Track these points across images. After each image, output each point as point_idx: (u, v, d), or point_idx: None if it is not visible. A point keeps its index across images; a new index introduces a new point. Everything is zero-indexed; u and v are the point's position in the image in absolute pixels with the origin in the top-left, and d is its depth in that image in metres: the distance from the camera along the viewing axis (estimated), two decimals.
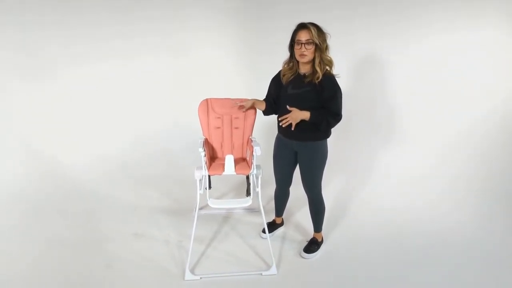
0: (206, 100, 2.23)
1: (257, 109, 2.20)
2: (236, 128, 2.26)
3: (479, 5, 2.72)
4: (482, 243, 2.36)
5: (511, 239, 2.41)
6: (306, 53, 1.80)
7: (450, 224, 2.58)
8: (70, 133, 3.22)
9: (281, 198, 2.36)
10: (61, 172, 3.08)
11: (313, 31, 1.78)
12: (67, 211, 2.65)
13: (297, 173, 2.14)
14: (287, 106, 1.88)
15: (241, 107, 2.16)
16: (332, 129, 1.98)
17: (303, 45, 1.80)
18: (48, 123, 3.16)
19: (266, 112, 2.15)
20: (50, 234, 2.35)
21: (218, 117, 2.23)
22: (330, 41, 1.87)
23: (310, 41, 1.78)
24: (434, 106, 3.03)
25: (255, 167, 2.05)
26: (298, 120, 1.85)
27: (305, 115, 1.85)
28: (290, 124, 1.87)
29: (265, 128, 2.87)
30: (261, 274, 1.99)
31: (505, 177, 2.92)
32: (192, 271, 1.99)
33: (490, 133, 2.95)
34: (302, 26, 1.82)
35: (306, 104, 1.86)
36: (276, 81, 2.06)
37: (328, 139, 2.02)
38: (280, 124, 1.87)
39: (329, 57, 1.87)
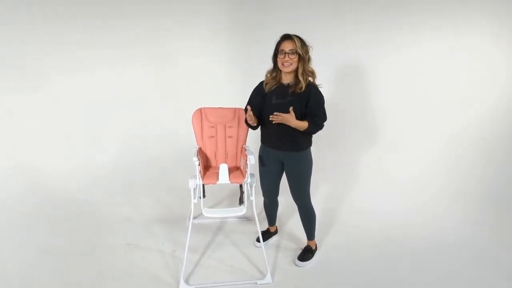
0: (200, 109, 2.24)
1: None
2: (230, 137, 2.27)
3: (465, 14, 2.81)
4: (473, 245, 2.41)
5: (501, 242, 2.45)
6: (289, 62, 1.84)
7: (441, 228, 2.63)
8: (60, 141, 3.21)
9: (270, 208, 2.36)
10: (51, 181, 3.05)
11: (296, 42, 1.82)
12: (58, 221, 2.62)
13: (284, 183, 2.14)
14: (291, 108, 1.80)
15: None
16: (320, 136, 2.01)
17: (286, 54, 1.83)
18: (37, 132, 3.14)
19: (255, 127, 2.09)
20: (41, 243, 2.32)
21: (212, 126, 2.24)
22: (318, 49, 1.91)
23: (294, 51, 1.82)
24: (421, 112, 3.09)
25: (249, 175, 2.06)
26: (288, 123, 1.81)
27: (300, 124, 1.85)
28: (276, 134, 1.89)
29: (259, 137, 2.89)
30: (256, 283, 1.98)
31: (495, 180, 2.97)
32: (187, 281, 1.98)
33: (479, 138, 3.01)
34: (286, 37, 1.86)
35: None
36: (258, 92, 2.05)
37: (317, 146, 2.05)
38: (270, 118, 1.80)
39: (312, 68, 1.91)
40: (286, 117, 1.79)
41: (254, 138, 2.35)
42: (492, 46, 2.84)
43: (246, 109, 2.13)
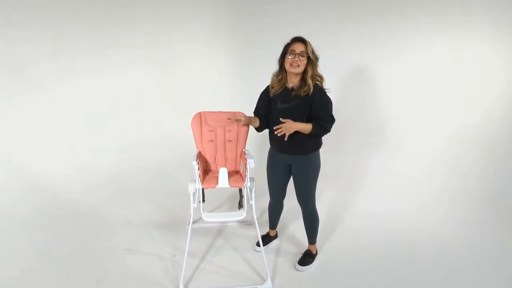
0: (199, 113, 2.24)
1: (251, 126, 2.21)
2: (230, 141, 2.27)
3: (463, 20, 2.83)
4: (473, 246, 2.42)
5: (502, 242, 2.46)
6: (298, 64, 1.84)
7: (441, 228, 2.64)
8: (60, 144, 3.21)
9: (275, 210, 2.36)
10: (51, 184, 3.05)
11: (308, 45, 1.84)
12: (58, 224, 2.61)
13: (290, 185, 2.15)
14: (280, 118, 1.88)
15: (237, 120, 2.16)
16: (324, 140, 2.02)
17: (297, 55, 1.83)
18: (36, 136, 3.13)
19: (259, 129, 2.14)
20: (40, 248, 2.31)
21: (212, 130, 2.24)
22: (320, 52, 1.91)
23: (304, 53, 1.83)
24: (423, 115, 3.09)
25: (248, 179, 2.06)
26: (292, 131, 1.85)
27: (304, 127, 1.86)
28: (283, 137, 1.86)
29: (258, 141, 2.89)
30: None
31: (495, 180, 2.97)
32: (186, 285, 1.97)
33: (479, 138, 3.02)
34: (298, 39, 1.86)
35: (297, 117, 1.89)
36: (265, 96, 2.08)
37: (320, 150, 2.04)
38: (275, 133, 1.87)
39: (320, 73, 1.92)
40: (287, 126, 1.83)
41: (253, 141, 2.36)
42: (490, 48, 2.85)
43: (254, 114, 2.17)
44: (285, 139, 1.87)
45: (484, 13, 2.78)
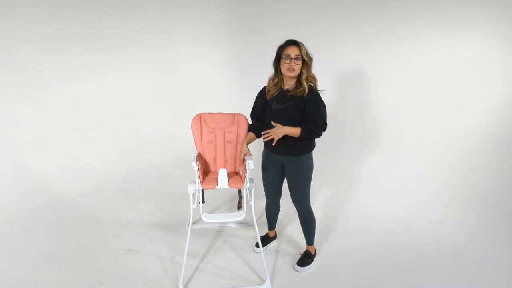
0: (199, 114, 2.25)
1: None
2: (229, 142, 2.27)
3: (461, 20, 2.83)
4: (472, 249, 2.41)
5: (500, 246, 2.45)
6: (294, 68, 1.85)
7: (440, 231, 2.63)
8: (60, 147, 3.21)
9: (272, 210, 2.36)
10: (49, 186, 3.05)
11: (302, 48, 1.84)
12: (56, 227, 2.61)
13: (286, 187, 2.15)
14: (272, 122, 1.91)
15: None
16: (320, 141, 2.02)
17: (292, 59, 1.84)
18: (36, 137, 3.14)
19: (258, 137, 2.13)
20: (39, 250, 2.31)
21: (211, 132, 2.25)
22: (316, 54, 1.93)
23: (299, 56, 1.83)
24: (422, 116, 3.09)
25: (248, 180, 2.06)
26: (280, 136, 1.88)
27: (293, 131, 1.88)
28: (273, 139, 1.90)
29: (257, 142, 2.89)
30: None
31: (495, 183, 2.97)
32: (186, 286, 1.97)
33: (476, 143, 3.01)
34: (292, 42, 1.87)
35: (291, 118, 1.90)
36: (262, 96, 2.09)
37: (317, 150, 2.05)
38: (263, 137, 1.91)
39: (314, 74, 1.93)
40: (275, 131, 1.87)
41: (253, 143, 2.36)
42: (489, 49, 2.85)
43: (251, 115, 2.18)
44: (273, 144, 1.90)
45: (482, 15, 2.78)
